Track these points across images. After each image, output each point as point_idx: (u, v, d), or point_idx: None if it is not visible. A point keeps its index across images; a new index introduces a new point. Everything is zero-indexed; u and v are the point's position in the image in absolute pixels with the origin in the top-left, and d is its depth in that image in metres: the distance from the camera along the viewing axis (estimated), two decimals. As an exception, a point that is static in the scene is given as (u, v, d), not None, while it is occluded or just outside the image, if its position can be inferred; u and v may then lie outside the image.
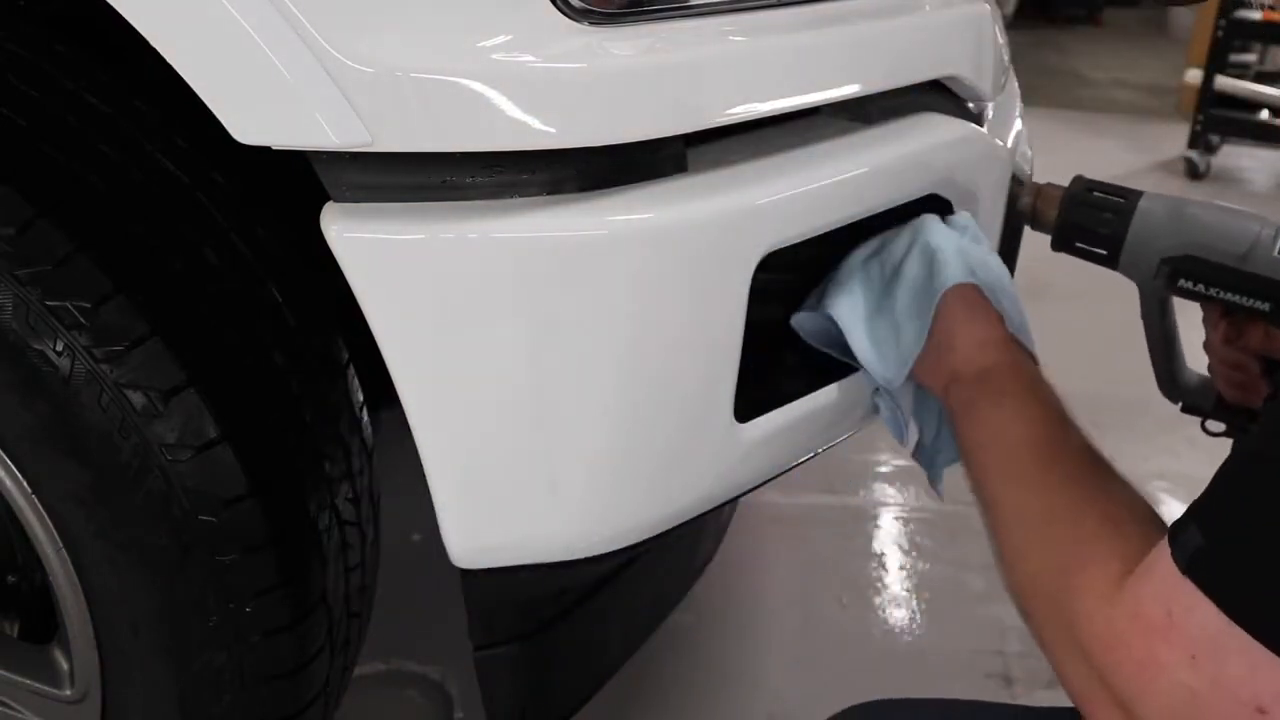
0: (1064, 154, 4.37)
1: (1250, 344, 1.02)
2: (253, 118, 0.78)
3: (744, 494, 0.99)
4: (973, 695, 1.62)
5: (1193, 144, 4.47)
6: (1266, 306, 0.95)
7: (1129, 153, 4.80)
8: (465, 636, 0.97)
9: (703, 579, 1.45)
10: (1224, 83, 4.46)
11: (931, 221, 0.97)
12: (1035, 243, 1.18)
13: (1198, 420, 1.14)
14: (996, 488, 0.80)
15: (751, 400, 0.93)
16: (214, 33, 0.76)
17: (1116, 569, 0.66)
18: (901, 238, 0.96)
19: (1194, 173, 4.44)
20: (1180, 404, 1.12)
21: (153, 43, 0.78)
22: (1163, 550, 0.62)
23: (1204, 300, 0.99)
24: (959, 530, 1.99)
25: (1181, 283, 0.97)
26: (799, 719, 1.57)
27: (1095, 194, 1.02)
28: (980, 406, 0.85)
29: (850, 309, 0.94)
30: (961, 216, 1.00)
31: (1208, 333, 1.05)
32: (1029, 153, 1.29)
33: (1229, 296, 0.96)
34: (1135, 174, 4.56)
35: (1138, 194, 1.00)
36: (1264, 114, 4.47)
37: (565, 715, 1.11)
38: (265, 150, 0.80)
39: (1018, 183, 1.13)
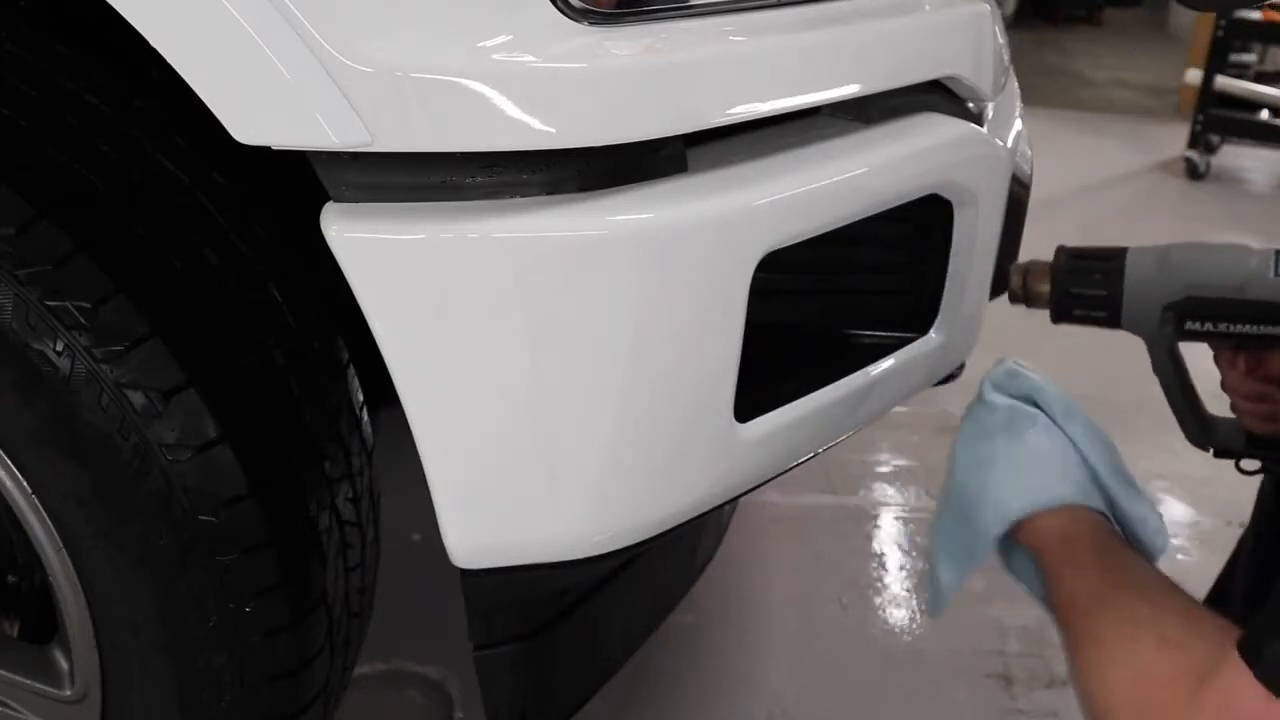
0: (1064, 154, 4.38)
1: (1271, 371, 1.02)
2: (253, 118, 0.78)
3: (744, 494, 1.00)
4: (973, 695, 1.62)
5: (1193, 144, 4.47)
6: (1277, 331, 0.95)
7: (1129, 153, 4.80)
8: (465, 636, 0.97)
9: (703, 579, 1.45)
10: (1224, 83, 4.46)
11: (971, 444, 1.00)
12: (1034, 244, 1.18)
13: None
14: (1071, 645, 0.86)
15: (751, 400, 0.93)
16: (214, 33, 0.76)
17: (1186, 686, 0.70)
18: (954, 473, 1.02)
19: (1194, 173, 4.44)
20: (1211, 449, 1.11)
21: (153, 43, 0.78)
22: (1239, 665, 0.65)
23: (1214, 339, 0.99)
24: (959, 530, 1.99)
25: (1189, 325, 0.97)
26: (799, 719, 1.57)
27: (1082, 260, 1.02)
28: (1048, 580, 0.93)
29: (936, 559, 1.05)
30: (1003, 372, 1.02)
31: (1224, 372, 1.05)
32: (1029, 153, 1.29)
33: (1238, 328, 0.96)
34: (1135, 174, 4.56)
35: (1122, 251, 1.01)
36: (1264, 114, 4.47)
37: (565, 715, 1.11)
38: (265, 150, 0.80)
39: (1018, 183, 1.13)
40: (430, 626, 1.59)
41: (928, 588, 1.07)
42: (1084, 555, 0.89)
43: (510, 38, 0.78)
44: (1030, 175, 1.28)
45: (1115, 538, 0.92)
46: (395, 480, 1.13)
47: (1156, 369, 1.06)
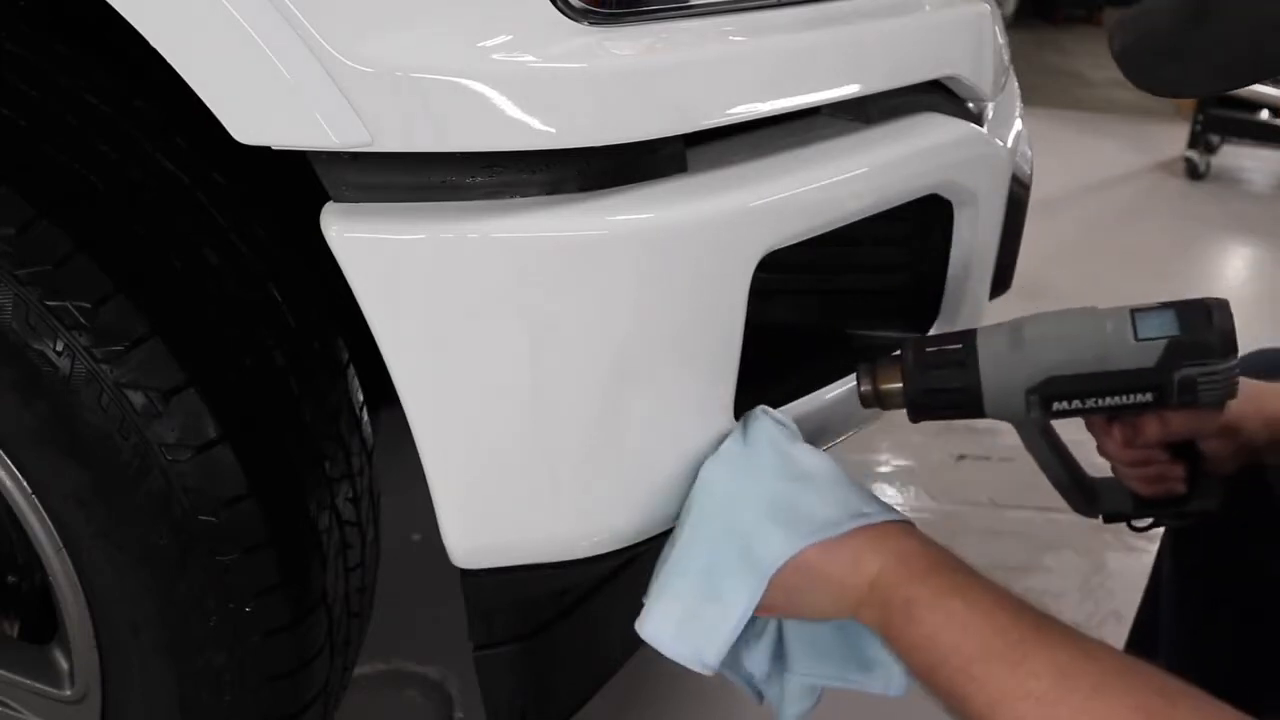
0: (1064, 154, 4.38)
1: (1150, 438, 0.97)
2: (253, 118, 0.78)
3: (744, 494, 0.99)
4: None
5: (1193, 144, 4.47)
6: (1150, 397, 0.89)
7: (1129, 153, 4.81)
8: (465, 636, 0.97)
9: (703, 579, 1.45)
10: (1224, 83, 4.45)
11: (720, 478, 0.87)
12: (1034, 242, 1.18)
13: None
14: (992, 689, 0.70)
15: (751, 400, 0.93)
16: (214, 33, 0.76)
17: None
18: (694, 516, 0.87)
19: (1194, 173, 4.44)
20: (1101, 516, 1.06)
21: (153, 43, 0.78)
22: None
23: (1085, 414, 0.93)
24: (959, 530, 2.00)
25: (1056, 406, 0.91)
26: (799, 719, 1.57)
27: (930, 351, 0.94)
28: (916, 620, 0.75)
29: (661, 614, 0.85)
30: (752, 420, 0.89)
31: (1101, 442, 1.00)
32: (1029, 153, 1.29)
33: (1108, 401, 0.91)
34: (1135, 174, 4.56)
35: (971, 334, 0.94)
36: (1264, 114, 4.47)
37: (565, 715, 1.11)
38: (265, 150, 0.80)
39: (1018, 183, 1.13)
40: (430, 626, 1.59)
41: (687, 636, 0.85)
42: (971, 584, 0.75)
43: (510, 38, 0.78)
44: (1030, 175, 1.28)
45: (921, 555, 0.78)
46: (395, 480, 1.13)
47: (1029, 449, 1.00)
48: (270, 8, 0.75)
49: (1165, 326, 0.89)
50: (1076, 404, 0.91)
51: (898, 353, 0.95)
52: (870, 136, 0.98)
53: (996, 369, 0.91)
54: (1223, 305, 0.89)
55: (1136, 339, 0.88)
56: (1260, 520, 1.05)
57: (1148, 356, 0.88)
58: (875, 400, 0.97)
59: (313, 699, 1.06)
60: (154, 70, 0.80)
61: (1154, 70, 0.69)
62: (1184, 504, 1.02)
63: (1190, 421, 0.95)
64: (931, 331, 1.10)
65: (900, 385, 0.94)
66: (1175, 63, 0.68)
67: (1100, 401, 0.91)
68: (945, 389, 0.93)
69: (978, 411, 0.93)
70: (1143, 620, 1.20)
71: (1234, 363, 0.89)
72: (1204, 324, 0.88)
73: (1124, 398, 0.90)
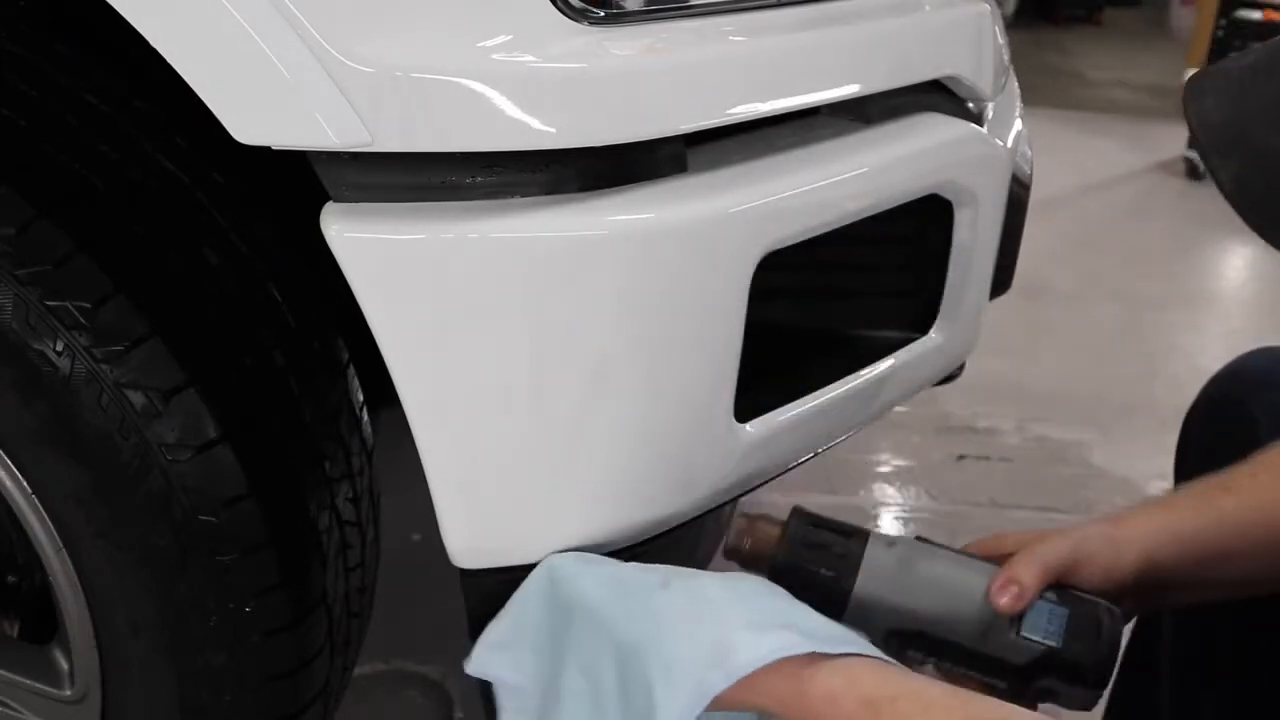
0: (1064, 154, 4.38)
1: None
2: (253, 118, 0.78)
3: (744, 494, 1.00)
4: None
5: (1193, 144, 4.46)
6: (1004, 686, 0.83)
7: (1129, 153, 4.81)
8: (465, 636, 0.97)
9: (703, 579, 1.44)
10: (1224, 83, 4.45)
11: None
12: (1034, 242, 1.18)
13: None
14: None
15: (752, 400, 0.93)
16: (214, 33, 0.76)
17: None
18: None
19: (1194, 173, 4.44)
20: None
21: (153, 43, 0.78)
22: None
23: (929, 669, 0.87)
24: (959, 530, 1.99)
25: (910, 654, 0.85)
26: (799, 719, 1.57)
27: (815, 537, 0.88)
28: None
29: None
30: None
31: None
32: (1029, 153, 1.29)
33: (961, 671, 0.85)
34: (1135, 174, 4.56)
35: (864, 538, 0.87)
36: (1264, 114, 4.47)
37: (565, 715, 1.11)
38: (265, 150, 0.80)
39: (1018, 183, 1.13)
40: (430, 626, 1.59)
41: None
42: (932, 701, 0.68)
43: (510, 38, 0.78)
44: (1030, 175, 1.28)
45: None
46: (395, 480, 1.13)
47: None
48: (270, 8, 0.75)
49: (1050, 631, 0.82)
50: (930, 661, 0.86)
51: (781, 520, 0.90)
52: (870, 136, 0.98)
53: (872, 593, 0.86)
54: (1115, 624, 0.83)
55: (1018, 634, 0.83)
56: None
57: (1020, 654, 0.82)
58: (739, 556, 0.92)
59: (313, 699, 1.06)
60: (154, 70, 0.80)
61: None
62: None
63: None
64: (931, 333, 1.10)
65: (771, 553, 0.89)
66: None
67: (952, 667, 0.85)
68: (813, 581, 0.87)
69: (833, 615, 0.84)
70: (1141, 622, 1.20)
71: (1100, 693, 0.83)
72: (1089, 644, 0.82)
73: (979, 675, 0.84)
